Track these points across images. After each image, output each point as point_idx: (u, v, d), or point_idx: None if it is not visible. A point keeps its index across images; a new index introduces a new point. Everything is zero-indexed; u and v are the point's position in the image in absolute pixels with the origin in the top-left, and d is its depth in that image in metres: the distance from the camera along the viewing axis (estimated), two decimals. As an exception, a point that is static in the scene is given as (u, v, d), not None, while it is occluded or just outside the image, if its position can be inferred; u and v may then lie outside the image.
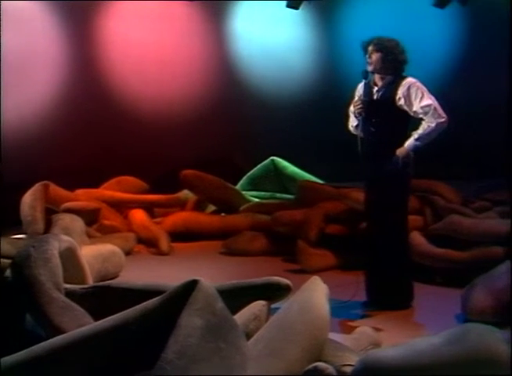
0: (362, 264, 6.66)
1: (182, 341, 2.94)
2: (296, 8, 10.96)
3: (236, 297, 3.70)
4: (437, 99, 5.27)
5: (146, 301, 3.99)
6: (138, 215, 8.08)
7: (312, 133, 10.45)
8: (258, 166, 9.41)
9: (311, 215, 6.92)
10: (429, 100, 5.18)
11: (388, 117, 5.30)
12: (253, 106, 10.65)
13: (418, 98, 5.20)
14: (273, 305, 3.77)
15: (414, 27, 11.08)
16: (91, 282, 4.81)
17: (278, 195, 8.95)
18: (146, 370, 3.11)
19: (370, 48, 5.33)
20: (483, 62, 11.21)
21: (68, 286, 4.32)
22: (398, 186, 5.34)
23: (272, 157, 9.38)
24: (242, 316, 3.51)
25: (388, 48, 5.29)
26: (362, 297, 5.61)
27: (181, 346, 2.92)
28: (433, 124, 5.14)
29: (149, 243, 7.71)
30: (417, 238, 6.21)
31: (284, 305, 3.53)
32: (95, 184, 8.68)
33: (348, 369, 3.22)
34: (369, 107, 5.32)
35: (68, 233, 5.52)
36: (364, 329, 4.31)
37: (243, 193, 8.80)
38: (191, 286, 3.19)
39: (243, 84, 10.77)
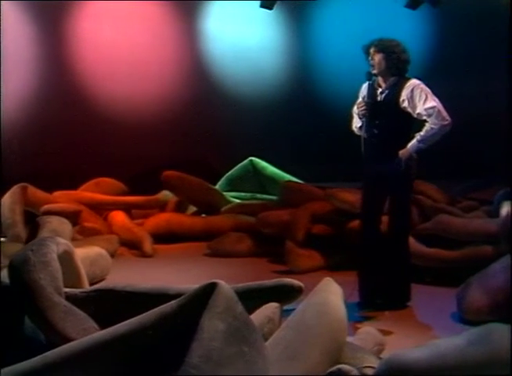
0: (352, 264, 6.68)
1: (206, 345, 2.88)
2: (270, 8, 10.92)
3: (247, 299, 3.62)
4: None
5: (151, 304, 3.94)
6: (119, 217, 7.98)
7: (286, 133, 10.44)
8: (237, 167, 9.38)
9: (298, 216, 6.89)
10: (433, 102, 5.17)
11: (392, 119, 5.28)
12: (226, 106, 10.62)
13: (422, 100, 5.18)
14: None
15: (385, 27, 11.11)
16: (87, 285, 4.72)
17: (258, 195, 8.92)
18: (164, 375, 3.06)
19: (372, 49, 5.32)
20: (453, 63, 11.29)
21: (68, 290, 4.22)
22: (400, 188, 5.34)
23: (250, 158, 9.36)
24: (256, 319, 3.46)
25: (390, 48, 5.27)
26: (354, 298, 5.59)
27: (205, 350, 2.86)
28: (436, 127, 5.13)
29: (131, 245, 7.61)
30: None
31: (299, 308, 3.48)
32: (70, 186, 8.55)
33: (369, 371, 3.19)
34: (373, 109, 5.30)
35: (57, 235, 5.39)
36: (368, 329, 4.29)
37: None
38: (209, 289, 3.13)
39: (216, 85, 10.73)
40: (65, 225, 5.77)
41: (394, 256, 5.43)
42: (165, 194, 8.60)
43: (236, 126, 10.44)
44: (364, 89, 5.49)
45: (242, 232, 7.65)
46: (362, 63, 10.95)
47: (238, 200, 8.63)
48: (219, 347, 2.88)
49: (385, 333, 4.55)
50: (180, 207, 8.50)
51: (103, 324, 4.01)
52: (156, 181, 8.31)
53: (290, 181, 8.10)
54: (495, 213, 6.41)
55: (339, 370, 3.04)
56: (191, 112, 10.26)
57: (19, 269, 4.08)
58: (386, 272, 5.42)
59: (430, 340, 4.56)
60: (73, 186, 8.61)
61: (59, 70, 9.75)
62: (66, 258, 4.48)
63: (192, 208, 8.60)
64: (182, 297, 3.17)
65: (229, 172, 9.35)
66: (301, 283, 3.79)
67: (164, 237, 7.92)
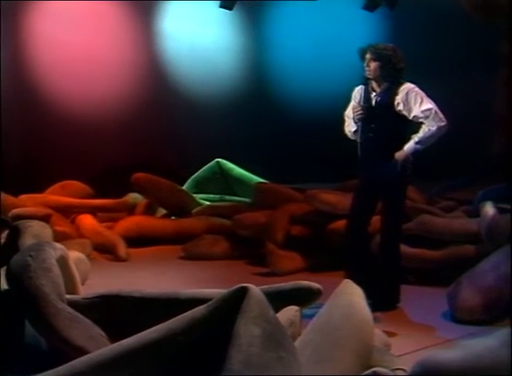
0: (333, 265, 6.67)
1: (245, 350, 2.81)
2: (230, 8, 10.89)
3: (265, 302, 3.58)
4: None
5: (162, 309, 3.88)
6: (88, 221, 7.81)
7: (243, 134, 10.41)
8: (203, 168, 9.29)
9: (277, 217, 6.86)
10: (429, 104, 5.21)
11: (387, 123, 5.29)
12: (182, 106, 10.55)
13: (418, 103, 5.20)
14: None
15: (342, 29, 11.23)
16: (81, 291, 4.59)
17: (227, 197, 8.85)
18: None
19: (368, 56, 5.30)
20: (408, 64, 11.39)
21: (68, 296, 4.10)
22: (395, 190, 5.35)
23: (217, 159, 9.29)
24: (278, 323, 3.40)
25: (386, 58, 5.26)
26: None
27: (245, 356, 2.79)
28: (434, 128, 5.16)
29: (102, 249, 7.45)
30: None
31: (322, 311, 3.43)
32: (28, 190, 8.34)
33: (400, 373, 3.16)
34: (369, 114, 5.29)
35: (40, 240, 5.23)
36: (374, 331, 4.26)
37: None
38: (240, 293, 3.05)
39: (172, 84, 10.65)
40: (46, 230, 5.58)
41: (385, 257, 5.44)
42: (133, 197, 8.46)
43: (193, 126, 10.37)
44: (357, 93, 5.47)
45: (215, 234, 7.58)
46: (317, 63, 11.08)
47: (207, 202, 8.54)
48: (258, 352, 2.82)
49: (388, 334, 4.54)
50: (149, 210, 8.36)
51: (109, 331, 3.92)
52: (116, 182, 8.17)
53: (263, 182, 8.05)
54: (474, 213, 6.48)
55: (374, 373, 3.00)
56: (148, 112, 10.14)
57: (19, 275, 3.94)
58: (376, 273, 5.42)
59: (435, 340, 4.63)
60: (37, 189, 8.41)
61: (15, 71, 9.52)
62: (62, 264, 4.34)
63: (162, 211, 8.48)
64: (211, 302, 3.08)
65: (196, 174, 9.25)
66: (319, 286, 3.74)
67: (134, 240, 7.78)
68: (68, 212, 8.06)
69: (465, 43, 10.15)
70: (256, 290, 3.08)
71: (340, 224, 6.55)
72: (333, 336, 3.19)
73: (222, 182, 9.17)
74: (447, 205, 6.74)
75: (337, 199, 6.61)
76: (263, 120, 10.59)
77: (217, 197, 8.83)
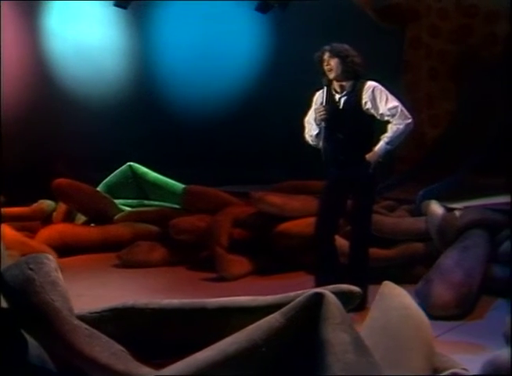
0: (279, 267, 6.64)
1: (342, 358, 2.73)
2: (124, 7, 10.67)
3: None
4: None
5: (187, 320, 3.68)
6: (7, 231, 7.30)
7: (129, 134, 10.19)
8: (115, 172, 8.96)
9: (219, 221, 6.72)
10: (395, 102, 5.24)
11: (356, 123, 5.28)
12: (68, 106, 10.21)
13: (383, 100, 5.23)
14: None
15: (234, 31, 11.24)
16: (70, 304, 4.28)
17: (146, 202, 8.58)
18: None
19: (327, 55, 5.27)
20: (298, 65, 11.53)
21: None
22: (367, 191, 5.36)
23: (129, 163, 8.98)
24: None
25: (344, 52, 5.27)
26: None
27: (344, 364, 2.71)
28: (402, 126, 5.20)
29: (28, 260, 6.98)
30: (338, 240, 6.25)
31: (374, 315, 3.38)
32: None
33: (467, 373, 3.17)
34: (335, 115, 5.26)
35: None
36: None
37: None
38: (315, 299, 2.96)
39: (58, 84, 10.29)
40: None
41: (354, 258, 5.46)
42: (48, 204, 8.03)
43: (79, 126, 10.07)
44: (319, 96, 5.43)
45: (143, 240, 7.34)
46: (205, 64, 11.01)
47: (128, 208, 8.24)
48: (355, 359, 2.75)
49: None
50: (68, 217, 7.97)
51: (126, 346, 3.68)
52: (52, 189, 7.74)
53: (192, 186, 7.84)
54: (417, 212, 6.65)
55: (453, 374, 2.99)
56: (33, 112, 9.72)
57: (24, 291, 3.62)
58: (345, 274, 5.42)
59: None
60: None
61: None
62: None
63: (81, 217, 8.10)
64: (286, 309, 2.96)
65: (107, 179, 8.90)
66: (359, 289, 3.67)
67: (57, 250, 7.34)
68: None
69: (367, 50, 10.41)
70: (331, 295, 3.01)
71: (289, 226, 6.54)
72: (397, 339, 3.15)
73: (135, 186, 8.88)
74: (388, 205, 6.87)
75: (283, 201, 6.58)
76: (149, 120, 10.44)
77: (135, 202, 8.54)
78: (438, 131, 9.63)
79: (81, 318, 3.77)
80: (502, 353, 3.17)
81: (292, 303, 2.99)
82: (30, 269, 3.73)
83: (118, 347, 3.60)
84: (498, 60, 9.67)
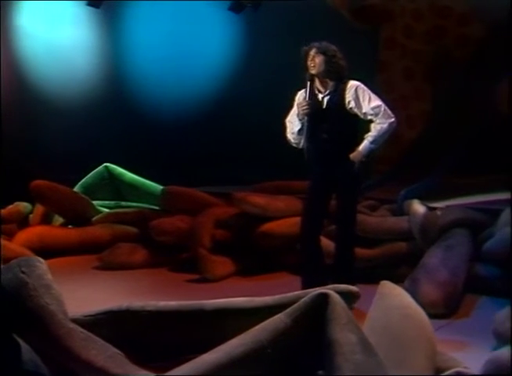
0: (262, 268, 6.63)
1: (351, 359, 2.74)
2: (97, 6, 10.59)
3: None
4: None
5: (184, 322, 3.66)
6: (-15, 235, 7.19)
7: (99, 133, 10.12)
8: (91, 174, 8.86)
9: (201, 222, 6.67)
10: (377, 101, 5.24)
11: (340, 122, 5.26)
12: (38, 105, 10.12)
13: (366, 100, 5.22)
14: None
15: (206, 30, 11.19)
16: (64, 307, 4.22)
17: (123, 203, 8.50)
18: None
19: (313, 51, 5.25)
20: (270, 64, 11.51)
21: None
22: (352, 191, 5.36)
23: (105, 164, 8.89)
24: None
25: (331, 52, 5.26)
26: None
27: (353, 364, 2.72)
28: (385, 125, 5.19)
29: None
30: (322, 240, 6.26)
31: (373, 314, 3.38)
32: None
33: (468, 371, 3.18)
34: (319, 115, 5.24)
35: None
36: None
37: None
38: (320, 300, 2.95)
39: (28, 83, 10.20)
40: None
41: (340, 258, 5.45)
42: (25, 206, 7.92)
43: (51, 126, 9.99)
44: (300, 95, 5.41)
45: (122, 241, 7.27)
46: (178, 64, 10.97)
47: (106, 209, 8.15)
48: (363, 359, 2.76)
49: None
50: (46, 219, 7.86)
51: (121, 349, 3.63)
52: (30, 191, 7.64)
53: (171, 186, 7.77)
54: (399, 211, 6.68)
55: (458, 373, 3.00)
56: (6, 113, 9.56)
57: (18, 294, 3.57)
58: (331, 274, 5.42)
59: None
60: None
61: None
62: (47, 280, 3.97)
63: (58, 219, 7.99)
64: (291, 310, 2.95)
65: (83, 180, 8.79)
66: (357, 289, 3.67)
67: (36, 253, 7.24)
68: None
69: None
70: (336, 296, 3.00)
71: (272, 226, 6.53)
72: (399, 339, 3.16)
73: (111, 187, 8.80)
74: (370, 204, 6.88)
75: (266, 201, 6.56)
76: (121, 120, 10.37)
77: (112, 203, 8.45)
78: (415, 132, 9.68)
79: (76, 321, 3.74)
80: (503, 352, 3.20)
81: (297, 304, 2.98)
82: (23, 273, 3.69)
83: (114, 350, 3.56)
84: (470, 61, 9.77)
